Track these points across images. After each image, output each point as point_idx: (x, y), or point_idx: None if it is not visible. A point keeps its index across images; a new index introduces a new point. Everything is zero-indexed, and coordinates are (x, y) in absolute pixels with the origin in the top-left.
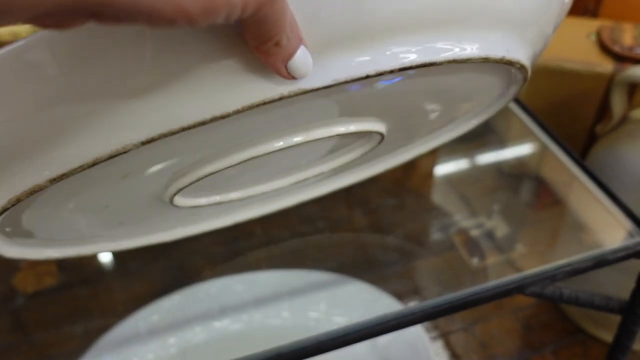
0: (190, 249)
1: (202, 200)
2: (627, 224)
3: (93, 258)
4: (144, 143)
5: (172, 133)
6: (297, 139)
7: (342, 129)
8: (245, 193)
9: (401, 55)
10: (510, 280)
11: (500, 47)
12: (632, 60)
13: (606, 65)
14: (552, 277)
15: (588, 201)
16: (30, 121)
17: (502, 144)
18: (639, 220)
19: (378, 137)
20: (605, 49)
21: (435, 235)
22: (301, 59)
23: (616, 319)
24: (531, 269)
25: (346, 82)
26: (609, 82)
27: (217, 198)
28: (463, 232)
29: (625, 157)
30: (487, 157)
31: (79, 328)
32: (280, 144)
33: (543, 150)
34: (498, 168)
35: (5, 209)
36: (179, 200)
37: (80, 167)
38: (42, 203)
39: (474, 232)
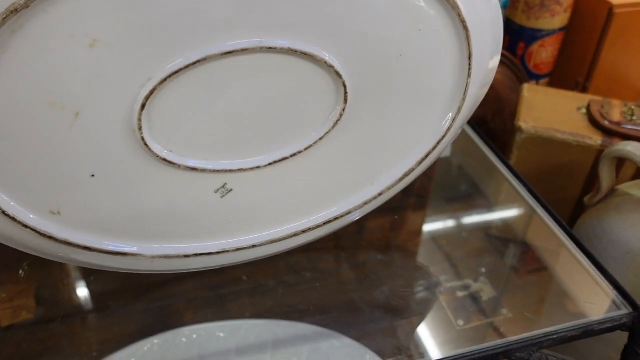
0: (173, 292)
1: (173, 156)
2: (613, 295)
3: (73, 295)
4: None
5: None
6: (250, 41)
7: (294, 44)
8: (220, 165)
9: None
10: (498, 344)
11: None
12: (620, 135)
13: (595, 139)
14: (539, 344)
15: (574, 269)
16: None
17: (490, 207)
18: (625, 293)
19: (341, 90)
20: (594, 122)
21: (421, 294)
22: None
23: None
24: (516, 334)
25: None
26: (598, 154)
27: (190, 162)
28: (449, 293)
29: (612, 228)
30: (475, 219)
31: None
32: (234, 45)
33: (531, 216)
34: (486, 231)
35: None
36: (149, 138)
37: None
38: (8, 79)
39: (460, 294)
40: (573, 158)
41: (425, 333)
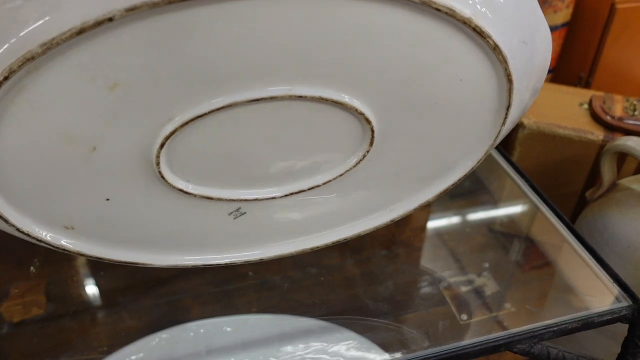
0: (180, 288)
1: (189, 186)
2: (614, 288)
3: (82, 290)
4: (127, 10)
5: (154, 4)
6: (280, 90)
7: (325, 92)
8: (236, 194)
9: None
10: (499, 336)
11: (468, 8)
12: (622, 130)
13: (597, 134)
14: (540, 335)
15: (576, 264)
16: None
17: (494, 203)
18: (625, 286)
19: (369, 133)
20: (596, 118)
21: (425, 289)
22: None
23: None
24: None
25: None
26: (600, 149)
27: (205, 191)
28: (453, 288)
29: (613, 223)
30: (479, 216)
31: None
32: (261, 92)
33: (534, 211)
34: (489, 227)
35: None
36: (166, 170)
37: (69, 31)
38: (25, 116)
39: (464, 289)
40: (575, 153)
41: (429, 327)
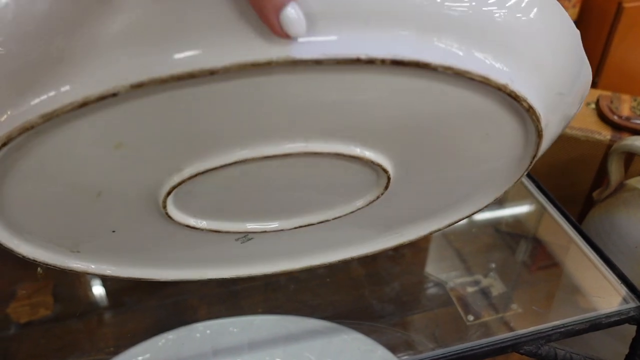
0: (186, 288)
1: (198, 222)
2: (622, 289)
3: (89, 292)
4: (133, 87)
5: (162, 81)
6: (296, 146)
7: (341, 148)
8: (244, 227)
9: (397, 47)
10: (506, 337)
11: (504, 75)
12: (629, 130)
13: (604, 134)
14: (547, 337)
15: (584, 265)
16: (23, 56)
17: (500, 203)
18: (633, 286)
19: (384, 179)
20: (603, 117)
21: (431, 289)
22: (293, 13)
23: None
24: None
25: (336, 60)
26: (607, 149)
27: (214, 225)
28: (459, 289)
29: (620, 223)
30: (485, 216)
31: None
32: (276, 150)
33: (541, 211)
34: (495, 227)
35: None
36: (173, 210)
37: (70, 104)
38: (30, 171)
39: (470, 289)
40: (582, 153)
41: (435, 328)
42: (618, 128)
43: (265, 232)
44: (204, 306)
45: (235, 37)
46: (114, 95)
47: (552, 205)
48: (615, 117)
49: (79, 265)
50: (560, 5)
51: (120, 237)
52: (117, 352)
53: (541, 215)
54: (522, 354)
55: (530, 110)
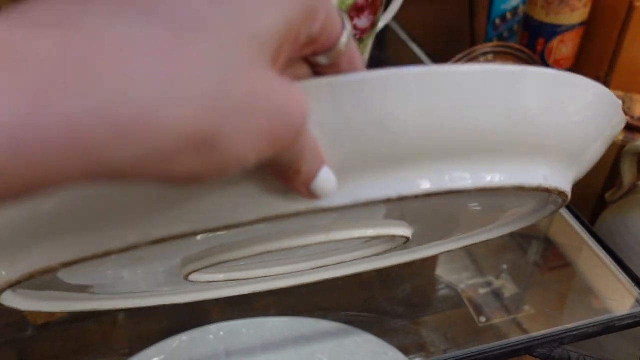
0: None
1: (219, 276)
2: (635, 291)
3: None
4: (154, 242)
5: (183, 236)
6: (317, 238)
7: (363, 232)
8: (264, 272)
9: (423, 183)
10: (519, 340)
11: (536, 175)
12: None
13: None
14: (560, 339)
15: (596, 266)
16: (47, 210)
17: None
18: None
19: (402, 239)
20: None
21: (443, 291)
22: (324, 180)
23: None
24: (538, 331)
25: (367, 203)
26: (620, 150)
27: (234, 275)
28: (471, 290)
29: (633, 225)
30: None
31: None
32: (298, 242)
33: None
34: None
35: (17, 282)
36: (194, 277)
37: (91, 256)
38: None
39: (482, 291)
40: None
41: (447, 330)
42: (631, 129)
43: (283, 275)
44: (217, 308)
45: (259, 193)
46: (135, 248)
47: (564, 207)
48: (628, 118)
49: (90, 305)
50: (606, 89)
51: (128, 281)
52: (131, 354)
53: (553, 216)
54: (535, 356)
55: (561, 194)
